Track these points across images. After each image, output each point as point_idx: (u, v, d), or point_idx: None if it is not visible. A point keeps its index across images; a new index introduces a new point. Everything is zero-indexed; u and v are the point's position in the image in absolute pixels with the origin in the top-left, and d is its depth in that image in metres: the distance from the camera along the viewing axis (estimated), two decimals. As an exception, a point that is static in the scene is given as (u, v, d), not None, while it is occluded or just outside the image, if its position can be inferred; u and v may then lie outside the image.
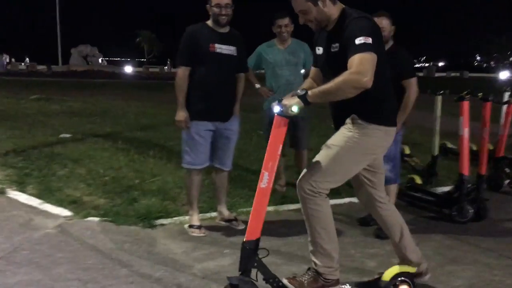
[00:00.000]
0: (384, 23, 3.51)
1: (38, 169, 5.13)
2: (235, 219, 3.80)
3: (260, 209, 2.37)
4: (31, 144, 6.35)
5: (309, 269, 2.61)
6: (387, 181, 3.54)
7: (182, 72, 3.53)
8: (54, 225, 3.62)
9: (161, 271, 2.93)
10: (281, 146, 2.38)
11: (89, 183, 4.72)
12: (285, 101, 2.34)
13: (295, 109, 2.29)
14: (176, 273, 2.93)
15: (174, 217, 3.92)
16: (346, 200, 4.49)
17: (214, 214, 3.99)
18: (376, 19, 3.52)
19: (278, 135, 2.36)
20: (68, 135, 7.19)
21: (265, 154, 2.36)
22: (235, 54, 3.58)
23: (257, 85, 4.57)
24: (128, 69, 49.07)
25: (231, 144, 3.75)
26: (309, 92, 2.35)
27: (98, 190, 4.52)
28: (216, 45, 3.50)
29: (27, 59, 63.17)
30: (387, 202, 2.71)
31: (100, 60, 45.11)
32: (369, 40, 2.29)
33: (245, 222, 3.77)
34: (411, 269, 2.64)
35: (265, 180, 2.34)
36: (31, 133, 7.33)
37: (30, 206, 4.08)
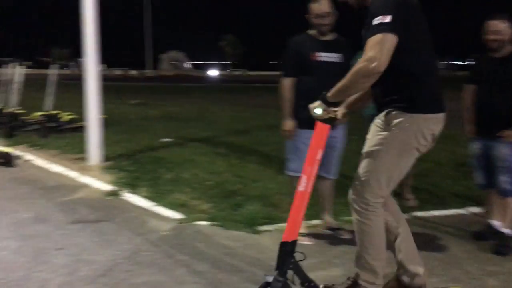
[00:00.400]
0: (501, 26, 3.33)
1: (147, 172, 5.47)
2: (341, 229, 3.79)
3: (297, 212, 2.39)
4: (137, 148, 6.79)
5: (348, 278, 2.56)
6: (505, 193, 3.36)
7: (287, 83, 3.60)
8: (168, 228, 3.84)
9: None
10: (321, 151, 2.36)
11: (194, 187, 4.95)
12: (310, 105, 2.35)
13: (318, 111, 2.32)
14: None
15: (279, 223, 3.99)
16: (453, 211, 4.31)
17: (316, 222, 4.00)
18: (492, 22, 3.37)
19: (318, 140, 2.38)
20: (169, 140, 7.60)
21: (306, 158, 2.39)
22: (340, 61, 3.57)
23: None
24: (213, 72, 50.72)
25: (336, 152, 3.74)
26: (329, 92, 2.30)
27: (203, 195, 4.72)
28: (319, 54, 3.52)
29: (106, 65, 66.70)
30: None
31: (187, 65, 47.17)
32: (387, 19, 2.12)
33: (351, 232, 3.77)
34: None
35: (303, 184, 2.36)
36: (136, 137, 7.83)
37: (144, 208, 4.36)
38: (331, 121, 2.37)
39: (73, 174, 5.60)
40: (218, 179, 5.25)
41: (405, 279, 2.52)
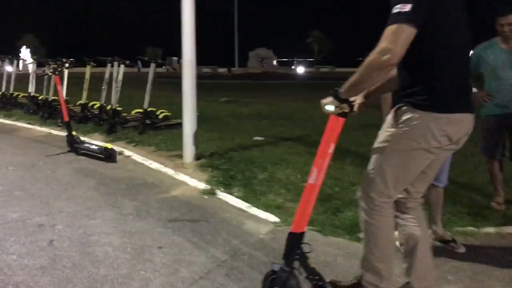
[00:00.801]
0: None
1: (240, 171, 5.41)
2: (454, 241, 3.44)
3: (306, 204, 2.42)
4: (230, 147, 6.80)
5: (356, 277, 2.54)
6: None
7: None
8: (265, 231, 3.73)
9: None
10: (333, 145, 2.29)
11: (288, 189, 4.81)
12: (322, 100, 2.24)
13: (329, 108, 2.21)
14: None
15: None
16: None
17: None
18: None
19: (331, 134, 2.30)
20: (261, 138, 7.55)
21: (317, 151, 2.32)
22: None
23: (474, 90, 4.12)
24: (300, 69, 50.50)
25: (448, 159, 3.40)
26: (341, 87, 2.16)
27: (299, 197, 4.54)
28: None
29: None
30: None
31: (274, 62, 47.44)
32: (406, 8, 1.94)
33: (465, 245, 3.41)
34: None
35: (313, 177, 2.34)
36: (228, 135, 7.87)
37: (239, 209, 4.30)
38: (346, 115, 2.24)
39: (169, 171, 5.70)
40: (313, 180, 5.06)
41: None
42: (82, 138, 6.93)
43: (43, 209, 4.23)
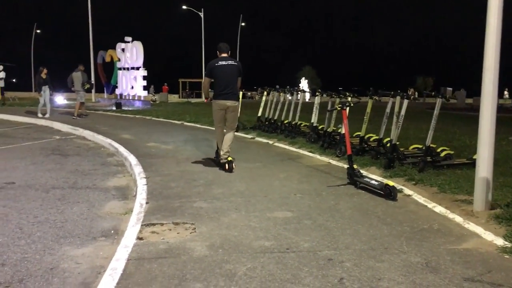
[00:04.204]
0: None
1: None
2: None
3: None
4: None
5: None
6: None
7: None
8: None
9: None
10: None
11: None
12: None
13: None
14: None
15: None
16: None
17: None
18: None
19: None
20: None
21: None
22: None
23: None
24: None
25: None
26: None
27: None
28: None
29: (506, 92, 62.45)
30: None
31: None
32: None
33: None
34: None
35: None
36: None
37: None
38: None
39: (456, 218, 5.16)
40: None
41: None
42: (362, 172, 6.98)
43: (330, 242, 4.32)
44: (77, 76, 18.41)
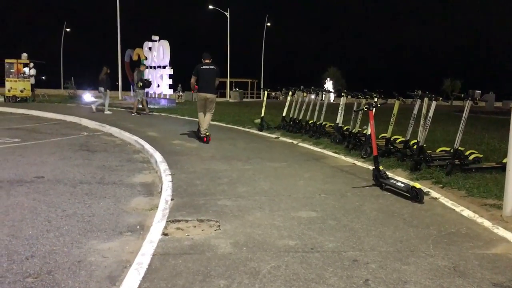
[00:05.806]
0: None
1: None
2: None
3: None
4: None
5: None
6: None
7: None
8: None
9: None
10: None
11: None
12: None
13: None
14: None
15: None
16: None
17: None
18: None
19: None
20: None
21: None
22: None
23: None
24: None
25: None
26: None
27: None
28: None
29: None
30: None
31: None
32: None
33: None
34: None
35: None
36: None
37: None
38: None
39: (485, 222, 5.05)
40: None
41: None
42: (388, 174, 6.90)
43: (355, 243, 4.28)
44: (134, 75, 19.78)
